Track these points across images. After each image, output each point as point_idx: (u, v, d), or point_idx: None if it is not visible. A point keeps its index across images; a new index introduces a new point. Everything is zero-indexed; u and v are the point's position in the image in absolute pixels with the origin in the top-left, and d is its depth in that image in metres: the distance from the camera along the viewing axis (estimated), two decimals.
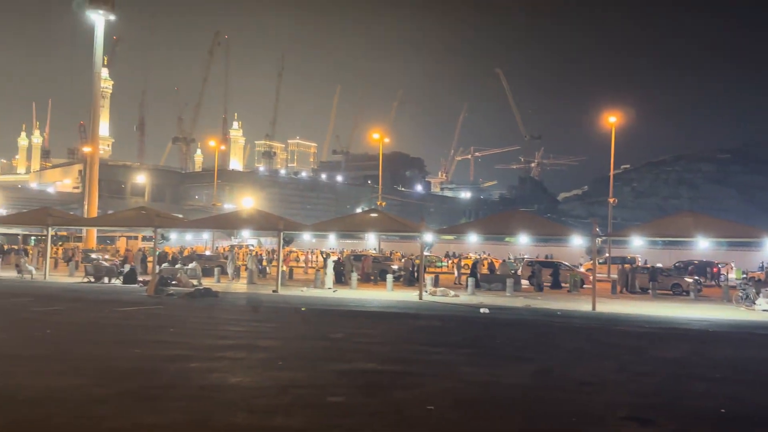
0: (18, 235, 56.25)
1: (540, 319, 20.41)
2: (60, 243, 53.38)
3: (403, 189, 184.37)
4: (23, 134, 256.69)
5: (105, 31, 76.86)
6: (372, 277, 36.05)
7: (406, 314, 21.12)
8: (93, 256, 39.37)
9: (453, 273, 45.66)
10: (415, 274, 34.06)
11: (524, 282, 35.50)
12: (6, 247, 45.17)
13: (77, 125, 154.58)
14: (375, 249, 67.68)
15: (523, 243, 46.59)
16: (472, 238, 28.37)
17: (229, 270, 34.79)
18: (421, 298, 26.45)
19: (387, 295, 28.31)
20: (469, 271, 36.70)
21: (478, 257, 52.67)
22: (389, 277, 31.46)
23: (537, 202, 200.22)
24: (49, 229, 32.35)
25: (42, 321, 17.14)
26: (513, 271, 37.14)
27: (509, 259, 48.85)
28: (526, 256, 56.86)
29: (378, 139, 63.29)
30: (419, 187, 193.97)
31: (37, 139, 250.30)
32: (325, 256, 39.33)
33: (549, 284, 34.29)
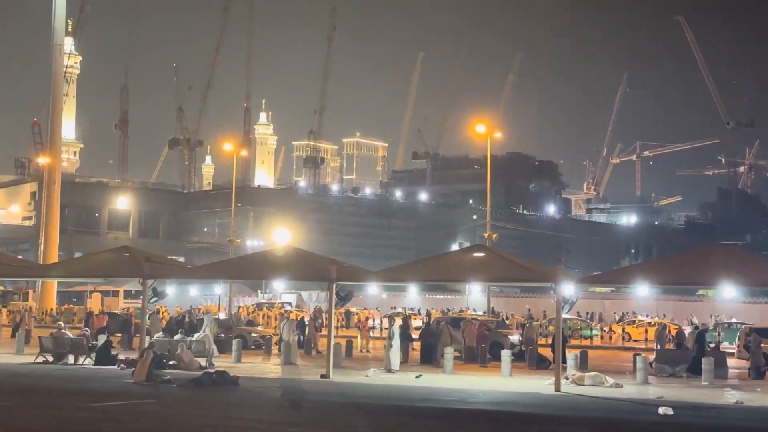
0: None
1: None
2: (2, 304, 56.04)
3: (525, 212, 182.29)
4: None
5: None
6: (478, 354, 35.69)
7: (534, 418, 20.70)
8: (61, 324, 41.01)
9: (610, 345, 44.40)
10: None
11: (734, 361, 34.77)
12: None
13: (29, 124, 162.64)
14: (476, 310, 67.14)
15: (728, 299, 44.62)
16: (641, 291, 27.57)
17: (284, 342, 34.98)
18: (558, 389, 25.86)
19: (502, 383, 27.99)
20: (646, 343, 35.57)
21: (658, 321, 51.15)
22: (505, 354, 31.02)
23: (750, 228, 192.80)
24: None
25: None
26: (712, 344, 35.92)
27: (703, 325, 47.21)
28: (732, 320, 54.68)
29: (484, 133, 62.99)
30: (551, 209, 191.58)
31: None
32: (390, 321, 39.17)
33: None
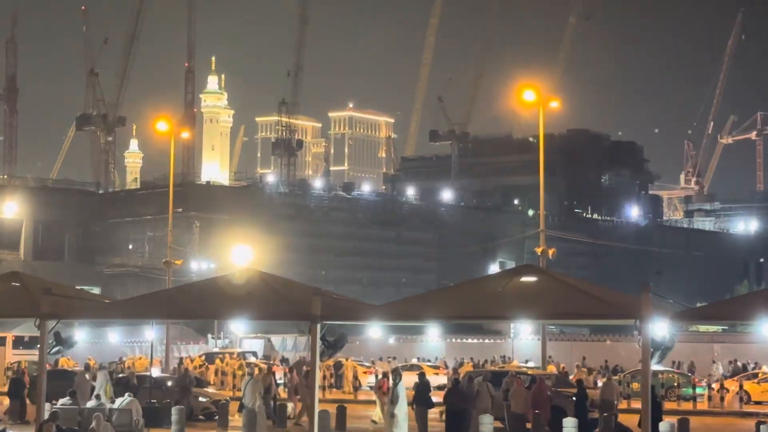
0: None
1: None
2: None
3: (596, 217, 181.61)
4: None
5: None
6: (528, 424, 35.73)
7: None
8: None
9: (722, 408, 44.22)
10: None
11: None
12: None
13: None
14: (529, 360, 67.24)
15: None
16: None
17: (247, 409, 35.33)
18: None
19: None
20: None
21: None
22: (569, 423, 31.01)
23: None
24: None
25: None
26: None
27: None
28: None
29: (535, 101, 63.13)
30: (634, 211, 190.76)
31: None
32: (393, 375, 38.63)
33: None
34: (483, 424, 32.08)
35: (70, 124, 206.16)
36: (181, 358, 72.62)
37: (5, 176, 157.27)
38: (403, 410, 32.11)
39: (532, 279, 30.29)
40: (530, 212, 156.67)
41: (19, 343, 68.94)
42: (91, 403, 34.36)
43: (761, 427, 31.01)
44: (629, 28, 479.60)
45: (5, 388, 48.83)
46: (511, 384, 37.74)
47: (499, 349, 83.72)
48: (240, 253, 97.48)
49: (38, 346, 33.18)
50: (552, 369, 61.73)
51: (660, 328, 28.34)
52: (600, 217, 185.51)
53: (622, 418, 36.15)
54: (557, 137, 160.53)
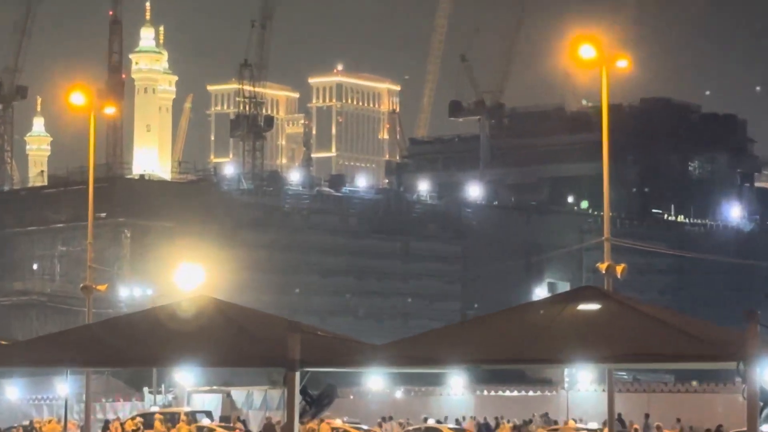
0: None
1: None
2: None
3: (683, 219, 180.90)
4: None
5: None
6: None
7: None
8: None
9: None
10: None
11: None
12: None
13: None
14: (583, 420, 67.45)
15: None
16: None
17: None
18: None
19: None
20: None
21: None
22: None
23: None
24: None
25: None
26: None
27: None
28: None
29: (595, 61, 63.34)
30: (734, 211, 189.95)
31: None
32: None
33: None
34: None
35: None
36: (106, 421, 72.92)
37: None
38: None
39: (594, 307, 30.32)
40: (588, 208, 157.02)
41: None
42: None
43: None
44: None
45: None
46: None
47: (548, 403, 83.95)
48: (187, 274, 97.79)
49: None
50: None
51: None
52: (688, 220, 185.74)
53: None
54: (628, 109, 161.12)
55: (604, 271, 62.98)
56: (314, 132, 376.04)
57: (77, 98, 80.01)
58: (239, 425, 71.04)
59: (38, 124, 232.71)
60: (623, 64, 69.66)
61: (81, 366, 45.50)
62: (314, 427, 66.56)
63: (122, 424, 72.27)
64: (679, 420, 67.63)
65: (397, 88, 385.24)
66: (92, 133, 77.21)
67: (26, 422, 77.69)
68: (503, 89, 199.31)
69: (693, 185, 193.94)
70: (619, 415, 62.39)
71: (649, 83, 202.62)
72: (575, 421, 68.25)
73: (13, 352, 40.59)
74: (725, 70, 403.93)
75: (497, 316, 34.13)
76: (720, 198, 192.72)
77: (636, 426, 62.99)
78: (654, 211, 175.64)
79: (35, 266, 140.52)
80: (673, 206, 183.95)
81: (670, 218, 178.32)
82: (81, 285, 79.65)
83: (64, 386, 74.37)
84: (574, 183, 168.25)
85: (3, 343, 44.69)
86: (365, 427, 70.86)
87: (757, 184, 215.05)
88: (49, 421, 77.09)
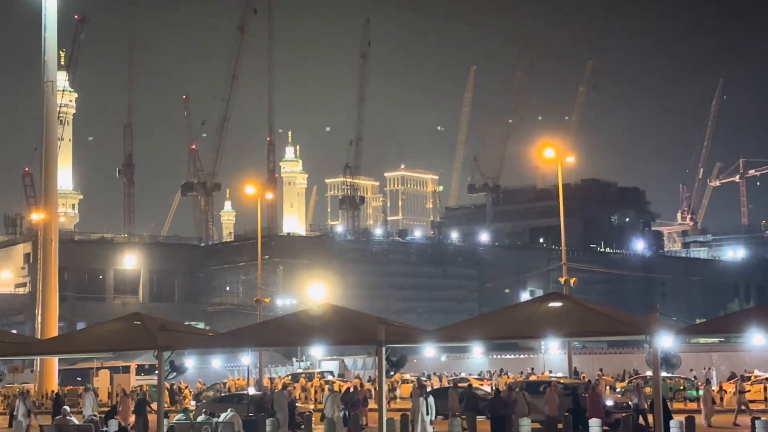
0: None
1: None
2: None
3: (609, 250, 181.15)
4: None
5: (60, 10, 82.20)
6: (560, 425, 35.31)
7: None
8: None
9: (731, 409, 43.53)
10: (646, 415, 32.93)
11: None
12: None
13: (20, 176, 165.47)
14: (557, 373, 66.74)
15: None
16: (757, 340, 27.09)
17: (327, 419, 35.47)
18: None
19: None
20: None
21: None
22: (594, 425, 30.63)
23: None
24: None
25: None
26: None
27: None
28: None
29: (554, 158, 62.96)
30: (640, 245, 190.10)
31: None
32: (420, 391, 36.91)
33: None
34: (522, 426, 31.76)
35: (176, 191, 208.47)
36: (274, 378, 72.96)
37: (125, 235, 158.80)
38: (426, 419, 31.46)
39: (557, 304, 30.07)
40: (552, 246, 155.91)
41: (140, 370, 69.50)
42: (201, 418, 34.52)
43: (756, 422, 30.44)
44: (628, 92, 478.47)
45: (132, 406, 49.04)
46: (547, 392, 37.42)
47: (532, 362, 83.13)
48: (316, 291, 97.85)
49: (156, 372, 33.38)
50: (608, 379, 61.53)
51: (664, 340, 27.99)
52: (612, 251, 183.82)
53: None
54: (573, 186, 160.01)
55: (563, 283, 62.54)
56: (388, 204, 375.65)
57: (250, 189, 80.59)
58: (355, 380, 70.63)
59: (227, 205, 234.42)
60: (570, 159, 69.32)
61: (256, 346, 45.57)
62: (397, 378, 66.39)
63: (280, 380, 72.16)
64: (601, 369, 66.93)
65: (437, 177, 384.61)
66: (259, 209, 77.58)
67: (224, 380, 77.77)
68: (499, 176, 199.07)
69: (614, 230, 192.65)
70: (575, 368, 61.66)
71: (586, 169, 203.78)
72: (549, 372, 67.44)
73: (217, 339, 40.51)
74: (633, 158, 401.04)
75: (500, 312, 33.89)
76: (631, 237, 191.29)
77: (584, 375, 62.18)
78: (591, 246, 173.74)
79: (227, 288, 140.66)
80: (602, 242, 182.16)
81: (601, 250, 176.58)
82: (254, 299, 79.81)
83: (247, 358, 74.19)
84: (543, 231, 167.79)
85: (210, 334, 44.64)
86: (423, 378, 70.27)
87: (653, 228, 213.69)
88: (238, 379, 77.12)
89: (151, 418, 42.09)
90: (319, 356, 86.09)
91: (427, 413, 31.62)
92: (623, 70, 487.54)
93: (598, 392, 36.63)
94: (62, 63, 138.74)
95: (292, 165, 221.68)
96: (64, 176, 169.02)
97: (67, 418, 34.06)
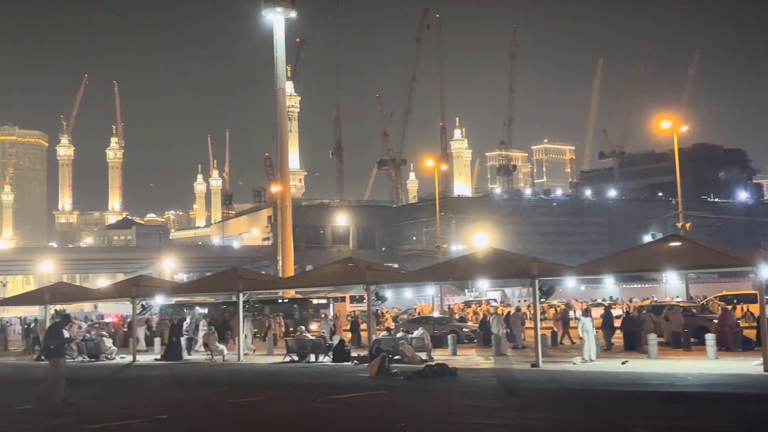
0: (197, 305, 63.67)
1: None
2: (258, 313, 57.61)
3: (717, 200, 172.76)
4: (199, 177, 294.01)
5: (286, 34, 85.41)
6: (682, 339, 34.08)
7: (743, 398, 19.67)
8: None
9: None
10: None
11: None
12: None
13: (262, 159, 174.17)
14: (677, 297, 64.22)
15: None
16: None
17: (494, 335, 35.67)
18: (767, 369, 24.29)
19: (708, 365, 26.71)
20: None
21: None
22: (710, 338, 29.45)
23: None
24: (241, 295, 36.42)
25: (240, 417, 19.28)
26: None
27: None
28: None
29: (670, 128, 60.16)
30: (743, 195, 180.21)
31: (216, 181, 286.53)
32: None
33: None
34: (650, 340, 30.88)
35: (373, 166, 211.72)
36: (449, 306, 73.42)
37: (338, 200, 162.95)
38: (590, 335, 30.74)
39: (677, 243, 29.01)
40: (671, 200, 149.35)
41: (353, 300, 71.27)
42: (399, 335, 35.32)
43: None
44: (732, 72, 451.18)
45: (348, 326, 50.53)
46: (671, 313, 36.17)
47: (655, 291, 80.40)
48: (480, 239, 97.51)
49: (365, 301, 34.29)
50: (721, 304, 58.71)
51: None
52: (719, 200, 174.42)
53: (747, 333, 33.86)
54: (685, 150, 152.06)
55: (680, 227, 60.00)
56: (535, 170, 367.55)
57: (428, 163, 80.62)
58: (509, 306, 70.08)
59: (412, 175, 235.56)
60: (684, 128, 65.97)
61: (437, 280, 46.14)
62: (549, 303, 64.85)
63: (457, 306, 72.47)
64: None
65: (573, 147, 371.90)
66: (437, 177, 77.72)
67: (415, 307, 78.89)
68: (624, 144, 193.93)
69: (721, 183, 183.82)
70: (691, 296, 59.22)
71: (697, 134, 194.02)
72: (671, 298, 64.95)
73: (408, 276, 40.98)
74: (738, 120, 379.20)
75: (628, 251, 32.88)
76: (735, 189, 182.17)
77: (698, 298, 59.58)
78: (702, 197, 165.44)
79: (414, 238, 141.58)
80: (712, 194, 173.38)
81: (710, 200, 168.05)
82: (434, 245, 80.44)
83: (431, 289, 74.98)
84: (662, 187, 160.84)
85: (403, 272, 45.26)
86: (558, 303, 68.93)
87: (754, 181, 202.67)
88: (425, 306, 78.11)
89: (363, 335, 43.39)
90: (485, 288, 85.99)
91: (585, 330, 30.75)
92: (727, 54, 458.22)
93: (677, 311, 35.27)
94: (289, 75, 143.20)
95: (459, 143, 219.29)
96: (293, 158, 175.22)
97: (303, 335, 35.45)
